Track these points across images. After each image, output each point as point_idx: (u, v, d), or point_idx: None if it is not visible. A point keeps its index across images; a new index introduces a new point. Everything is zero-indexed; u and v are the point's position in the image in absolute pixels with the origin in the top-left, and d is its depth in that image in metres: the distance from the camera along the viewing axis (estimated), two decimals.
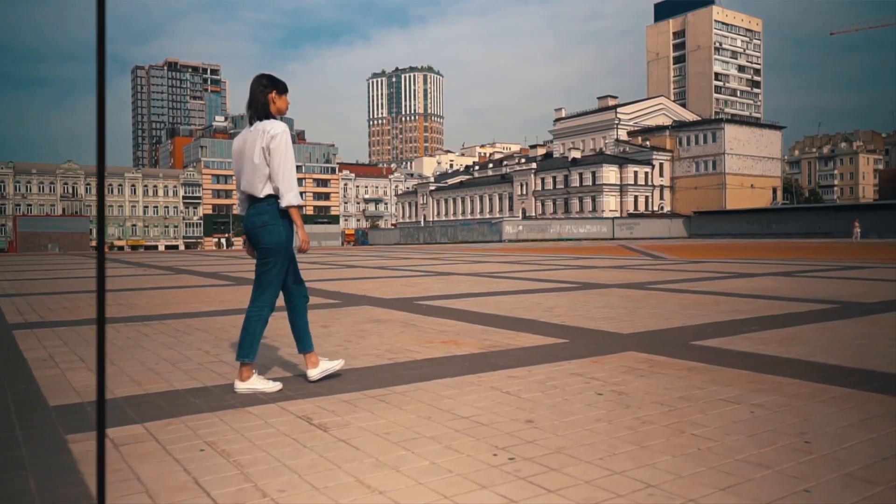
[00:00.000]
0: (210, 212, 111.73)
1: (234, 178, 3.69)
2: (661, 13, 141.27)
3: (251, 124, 3.46)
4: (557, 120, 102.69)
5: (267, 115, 3.43)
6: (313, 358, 3.61)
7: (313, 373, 3.59)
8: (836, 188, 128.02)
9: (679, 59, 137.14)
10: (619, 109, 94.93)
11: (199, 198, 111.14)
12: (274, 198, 3.41)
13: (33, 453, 2.48)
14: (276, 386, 3.42)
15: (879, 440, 2.52)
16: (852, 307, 6.74)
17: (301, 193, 3.52)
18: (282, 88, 3.49)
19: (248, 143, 3.42)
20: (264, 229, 3.38)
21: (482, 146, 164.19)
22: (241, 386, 3.38)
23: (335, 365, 3.65)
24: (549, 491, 2.07)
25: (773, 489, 2.06)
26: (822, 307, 6.77)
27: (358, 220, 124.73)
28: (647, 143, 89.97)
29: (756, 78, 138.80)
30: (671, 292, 8.50)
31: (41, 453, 2.48)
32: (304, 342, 3.60)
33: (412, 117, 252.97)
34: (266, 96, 3.43)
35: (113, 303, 7.96)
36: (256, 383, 3.38)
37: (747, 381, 3.50)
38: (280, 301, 3.69)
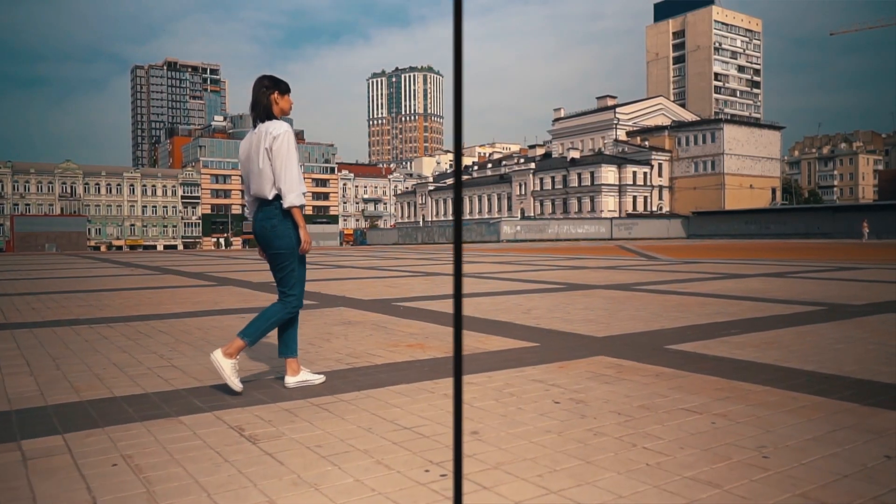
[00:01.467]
0: (209, 212, 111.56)
1: (242, 181, 3.64)
2: (660, 13, 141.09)
3: (255, 126, 3.46)
4: (556, 120, 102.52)
5: (270, 117, 3.42)
6: (294, 365, 3.49)
7: (291, 380, 3.46)
8: (835, 189, 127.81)
9: (679, 60, 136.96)
10: (618, 109, 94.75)
11: (198, 198, 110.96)
12: (282, 199, 3.38)
13: None
14: (321, 378, 3.54)
15: (842, 455, 2.35)
16: (839, 309, 6.57)
17: (304, 194, 3.44)
18: (284, 89, 3.48)
19: (252, 146, 3.42)
20: (274, 232, 3.37)
21: (482, 146, 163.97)
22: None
23: (315, 380, 3.53)
24: None
25: None
26: (808, 309, 6.60)
27: (357, 220, 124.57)
28: (646, 143, 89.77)
29: (756, 78, 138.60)
30: (657, 293, 8.33)
31: None
32: (287, 347, 3.51)
33: (412, 117, 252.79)
34: (269, 97, 3.42)
35: (84, 303, 7.79)
36: (226, 369, 3.31)
37: (714, 389, 3.33)
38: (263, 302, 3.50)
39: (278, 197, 3.37)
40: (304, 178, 3.59)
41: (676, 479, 2.13)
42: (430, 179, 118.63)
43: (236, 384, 3.27)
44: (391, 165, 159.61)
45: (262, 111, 3.42)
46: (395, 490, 2.07)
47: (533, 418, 2.85)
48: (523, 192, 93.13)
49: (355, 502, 1.98)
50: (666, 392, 3.28)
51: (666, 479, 2.14)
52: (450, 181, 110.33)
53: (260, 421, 2.86)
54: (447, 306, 7.12)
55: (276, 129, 3.34)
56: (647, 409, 2.98)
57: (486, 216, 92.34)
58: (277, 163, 3.31)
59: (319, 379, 3.55)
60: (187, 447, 2.51)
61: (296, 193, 3.33)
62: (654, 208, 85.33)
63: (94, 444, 2.55)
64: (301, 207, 3.40)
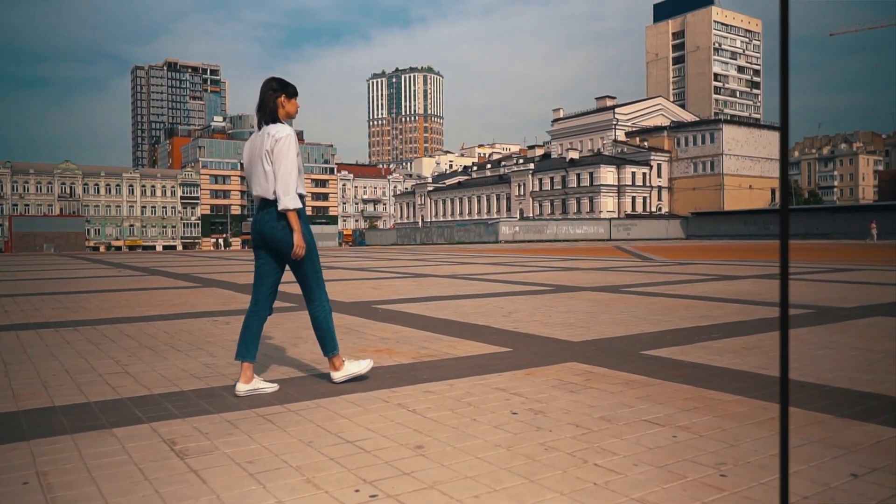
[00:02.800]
0: (208, 212, 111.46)
1: (246, 182, 3.65)
2: (660, 14, 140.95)
3: (260, 128, 3.45)
4: (555, 120, 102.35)
5: (275, 119, 3.41)
6: (249, 372, 3.37)
7: (242, 388, 3.34)
8: (835, 189, 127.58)
9: (678, 60, 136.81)
10: (617, 110, 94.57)
11: (197, 198, 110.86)
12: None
13: None
14: (273, 387, 3.43)
15: (806, 474, 2.19)
16: (827, 312, 6.41)
17: (302, 196, 3.43)
18: (291, 92, 3.47)
19: (256, 148, 3.43)
20: (285, 231, 3.36)
21: (481, 147, 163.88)
22: (337, 375, 3.53)
23: (267, 388, 3.40)
24: None
25: None
26: (795, 313, 6.44)
27: (356, 221, 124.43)
28: (646, 143, 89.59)
29: (755, 79, 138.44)
30: (644, 296, 8.17)
31: None
32: (248, 350, 3.41)
33: (412, 118, 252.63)
34: (275, 100, 3.42)
35: (60, 306, 7.64)
36: (350, 367, 3.54)
37: (683, 398, 3.17)
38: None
39: None
40: (304, 179, 3.48)
41: (622, 501, 1.98)
42: (430, 180, 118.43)
43: (365, 365, 3.57)
44: (391, 166, 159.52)
45: (268, 113, 3.41)
46: None
47: (485, 431, 2.70)
48: (522, 193, 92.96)
49: None
50: (632, 402, 3.13)
51: (611, 500, 1.99)
52: (449, 182, 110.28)
53: (196, 433, 2.70)
54: (428, 309, 6.97)
55: (280, 132, 3.34)
56: (608, 420, 2.83)
57: (486, 217, 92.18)
58: (276, 165, 3.32)
59: (272, 388, 3.40)
60: (109, 463, 2.35)
61: (290, 196, 3.32)
62: (653, 209, 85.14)
63: (14, 459, 2.40)
64: (298, 211, 3.36)
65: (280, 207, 3.30)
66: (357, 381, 3.57)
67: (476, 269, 14.63)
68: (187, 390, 3.45)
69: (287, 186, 3.31)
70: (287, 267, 3.54)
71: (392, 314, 6.57)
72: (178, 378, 3.76)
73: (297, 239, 3.33)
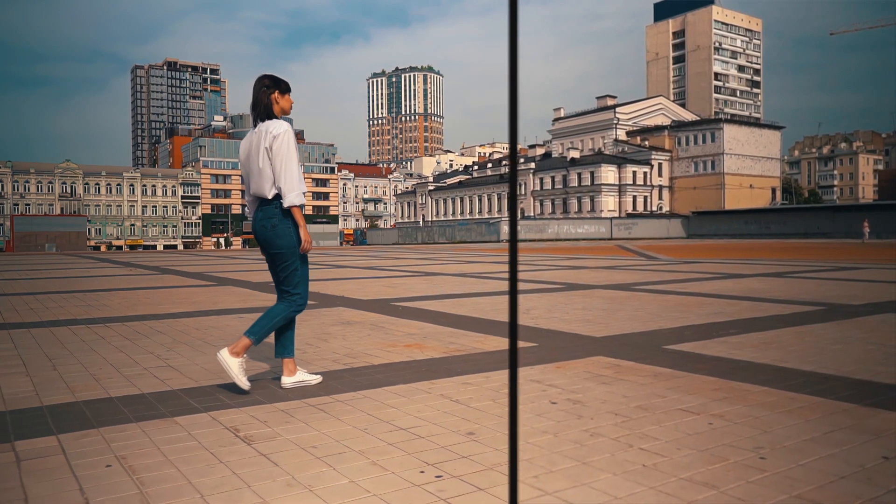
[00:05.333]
0: (208, 211, 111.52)
1: (242, 181, 3.71)
2: (660, 13, 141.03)
3: (255, 126, 3.47)
4: (556, 120, 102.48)
5: (270, 116, 3.43)
6: (291, 365, 3.50)
7: (287, 381, 3.47)
8: (835, 188, 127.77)
9: (679, 59, 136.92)
10: (617, 109, 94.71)
11: (198, 197, 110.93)
12: (281, 199, 3.39)
13: None
14: (318, 378, 3.53)
15: (840, 456, 2.34)
16: (838, 309, 6.56)
17: (303, 192, 3.46)
18: (284, 88, 3.49)
19: (252, 146, 3.43)
20: (274, 231, 3.37)
21: (482, 146, 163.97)
22: (223, 353, 3.34)
23: (312, 380, 3.52)
24: None
25: None
26: (806, 309, 6.59)
27: (357, 220, 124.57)
28: (646, 143, 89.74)
29: (756, 78, 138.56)
30: (655, 293, 8.31)
31: None
32: (285, 347, 3.52)
33: (412, 117, 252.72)
34: (269, 97, 3.43)
35: (83, 303, 7.78)
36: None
37: (712, 389, 3.32)
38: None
39: (278, 196, 3.38)
40: (304, 178, 3.61)
41: (672, 481, 2.12)
42: (430, 179, 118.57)
43: (244, 382, 3.28)
44: (391, 165, 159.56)
45: (263, 110, 3.43)
46: (389, 491, 2.06)
47: (530, 419, 2.84)
48: (523, 192, 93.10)
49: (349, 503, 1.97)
50: (663, 392, 3.27)
51: (662, 480, 2.13)
52: (450, 181, 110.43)
53: (255, 422, 2.84)
54: (446, 306, 7.11)
55: (276, 129, 3.35)
56: (645, 409, 2.97)
57: (487, 216, 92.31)
58: (277, 162, 3.32)
59: (316, 379, 3.54)
60: (182, 448, 2.49)
61: (295, 193, 3.34)
62: (654, 208, 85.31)
63: (89, 445, 2.54)
64: (301, 207, 3.40)
65: (286, 204, 3.33)
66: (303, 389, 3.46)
67: (484, 268, 14.78)
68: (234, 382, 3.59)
69: (291, 183, 3.33)
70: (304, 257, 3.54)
71: (413, 311, 6.71)
72: (220, 371, 3.89)
73: (304, 234, 3.39)
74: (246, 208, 3.64)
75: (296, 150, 3.40)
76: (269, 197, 3.37)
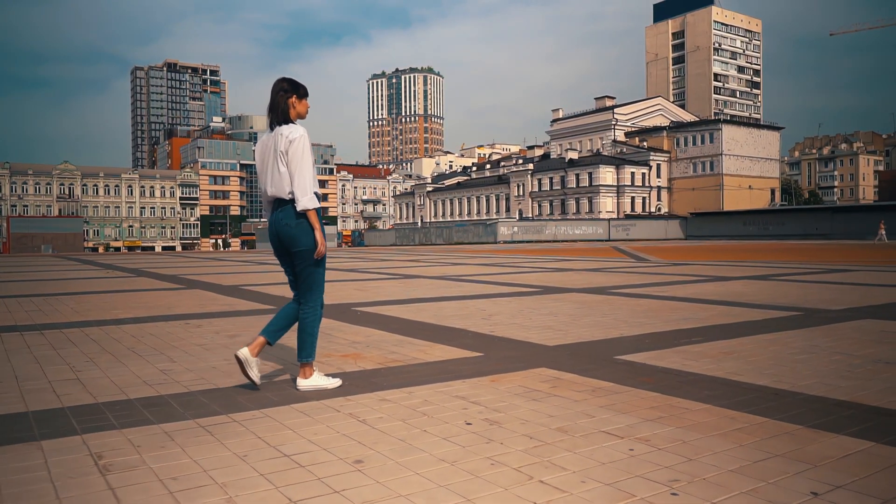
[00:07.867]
0: (207, 213, 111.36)
1: (258, 182, 3.69)
2: (660, 14, 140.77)
3: (272, 129, 3.50)
4: (555, 121, 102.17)
5: (287, 120, 3.45)
6: (308, 369, 3.50)
7: (304, 383, 3.46)
8: (836, 189, 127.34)
9: (678, 60, 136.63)
10: (616, 110, 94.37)
11: (196, 199, 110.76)
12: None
13: None
14: (337, 382, 3.52)
15: (763, 492, 2.05)
16: (814, 315, 6.26)
17: (317, 195, 3.47)
18: (302, 93, 3.52)
19: (268, 149, 3.48)
20: (298, 229, 3.40)
21: (481, 147, 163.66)
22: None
23: (331, 383, 3.51)
24: None
25: None
26: (781, 315, 6.30)
27: (356, 222, 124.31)
28: (645, 143, 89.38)
29: (755, 79, 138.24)
30: (630, 297, 8.02)
31: None
32: (303, 349, 3.51)
33: (412, 118, 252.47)
34: (286, 101, 3.46)
35: (34, 308, 7.50)
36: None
37: (648, 408, 3.03)
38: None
39: None
40: (316, 178, 3.45)
41: None
42: (429, 180, 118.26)
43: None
44: (390, 166, 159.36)
45: (280, 114, 3.45)
46: None
47: (433, 443, 2.55)
48: (521, 193, 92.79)
49: None
50: (594, 411, 2.98)
51: None
52: (448, 182, 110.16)
53: (128, 446, 2.55)
54: (408, 311, 6.82)
55: (293, 133, 3.39)
56: (565, 432, 2.68)
57: (485, 217, 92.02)
58: (292, 166, 3.37)
59: (335, 383, 3.53)
60: (25, 479, 2.21)
61: (308, 197, 3.37)
62: (653, 209, 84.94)
63: None
64: (317, 210, 3.43)
65: (299, 208, 3.35)
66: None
67: (467, 270, 14.49)
68: (133, 399, 3.31)
69: (305, 187, 3.36)
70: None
71: (369, 317, 6.43)
72: (127, 385, 3.61)
73: (319, 237, 3.39)
74: (263, 209, 3.62)
75: (311, 154, 3.43)
76: (287, 198, 3.41)
